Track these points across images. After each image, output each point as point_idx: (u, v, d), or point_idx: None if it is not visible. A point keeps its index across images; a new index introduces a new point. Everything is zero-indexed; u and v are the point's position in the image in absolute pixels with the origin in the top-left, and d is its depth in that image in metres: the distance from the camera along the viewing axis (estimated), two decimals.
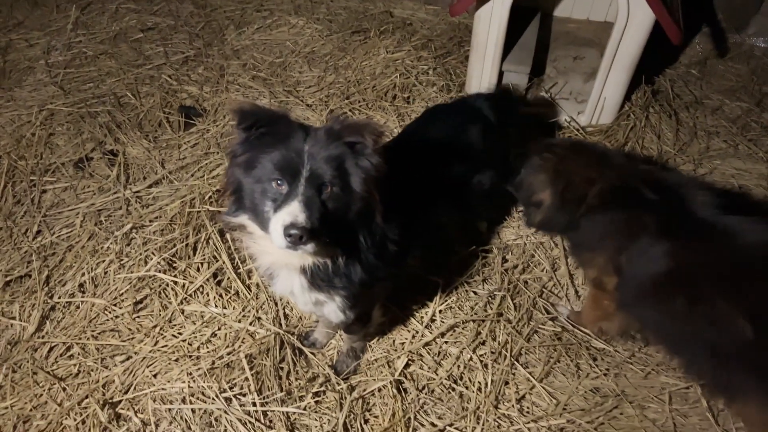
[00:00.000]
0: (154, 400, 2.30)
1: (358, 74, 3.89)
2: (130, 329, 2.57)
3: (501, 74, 3.58)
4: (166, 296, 2.67)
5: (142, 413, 2.30)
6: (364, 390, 2.38)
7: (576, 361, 2.51)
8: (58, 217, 3.09)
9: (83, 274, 2.76)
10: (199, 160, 3.36)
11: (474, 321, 2.60)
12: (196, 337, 2.52)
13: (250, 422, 2.23)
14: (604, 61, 3.29)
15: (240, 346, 2.46)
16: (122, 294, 2.69)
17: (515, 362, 2.48)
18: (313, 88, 3.86)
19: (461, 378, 2.44)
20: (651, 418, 2.35)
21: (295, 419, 2.29)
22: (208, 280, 2.70)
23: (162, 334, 2.54)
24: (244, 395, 2.32)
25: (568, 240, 2.63)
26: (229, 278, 2.73)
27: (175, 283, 2.69)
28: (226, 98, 3.76)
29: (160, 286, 2.69)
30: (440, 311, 2.65)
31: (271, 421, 2.27)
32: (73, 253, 2.88)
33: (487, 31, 3.33)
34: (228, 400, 2.29)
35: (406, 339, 2.57)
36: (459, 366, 2.47)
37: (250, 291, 2.68)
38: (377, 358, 2.52)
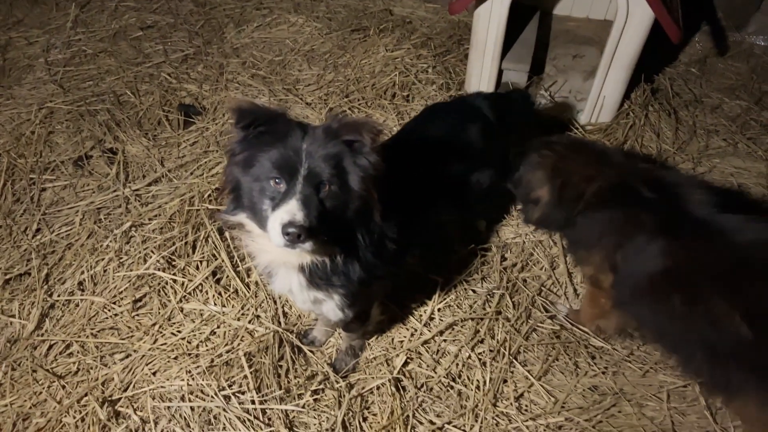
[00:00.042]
0: (153, 398, 2.31)
1: (358, 72, 3.88)
2: (129, 327, 2.58)
3: (500, 72, 3.58)
4: (166, 294, 2.68)
5: (141, 411, 2.30)
6: (363, 388, 2.38)
7: (574, 360, 2.51)
8: (58, 215, 3.09)
9: (82, 272, 2.76)
10: (198, 158, 3.36)
11: (473, 319, 2.60)
12: (195, 335, 2.53)
13: (248, 420, 2.24)
14: (603, 60, 3.29)
15: (239, 344, 2.47)
16: (121, 292, 2.70)
17: (514, 360, 2.49)
18: (313, 86, 3.86)
19: (460, 376, 2.44)
20: (649, 416, 2.35)
21: (294, 417, 2.30)
22: (207, 278, 2.70)
23: (161, 332, 2.54)
24: (243, 393, 2.32)
25: (566, 237, 2.64)
26: (228, 276, 2.73)
27: (174, 281, 2.70)
28: (225, 96, 3.76)
29: (159, 284, 2.70)
30: (439, 309, 2.66)
31: (269, 419, 2.27)
32: (72, 251, 2.88)
33: (487, 29, 3.33)
34: (227, 397, 2.30)
35: (405, 337, 2.57)
36: (458, 364, 2.47)
37: (249, 289, 2.68)
38: (376, 356, 2.52)
